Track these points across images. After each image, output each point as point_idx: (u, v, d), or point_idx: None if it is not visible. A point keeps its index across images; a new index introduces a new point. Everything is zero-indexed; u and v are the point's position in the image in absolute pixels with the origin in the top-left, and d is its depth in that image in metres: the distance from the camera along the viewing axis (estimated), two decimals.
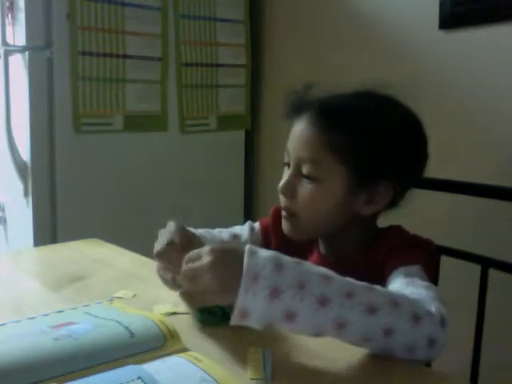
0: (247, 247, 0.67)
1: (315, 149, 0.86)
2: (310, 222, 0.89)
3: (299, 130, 0.89)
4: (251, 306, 0.65)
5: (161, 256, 0.83)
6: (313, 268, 0.68)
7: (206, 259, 0.68)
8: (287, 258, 0.68)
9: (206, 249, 0.70)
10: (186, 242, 0.82)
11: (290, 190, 0.88)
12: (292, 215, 0.89)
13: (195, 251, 0.72)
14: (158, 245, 0.84)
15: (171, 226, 0.85)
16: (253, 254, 0.67)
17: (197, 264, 0.69)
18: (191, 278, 0.70)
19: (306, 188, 0.87)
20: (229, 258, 0.68)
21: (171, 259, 0.81)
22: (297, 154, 0.88)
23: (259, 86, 2.36)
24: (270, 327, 0.67)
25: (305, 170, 0.87)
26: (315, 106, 0.89)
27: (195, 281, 0.69)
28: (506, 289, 1.27)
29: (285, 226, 0.92)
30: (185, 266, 0.71)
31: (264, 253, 0.67)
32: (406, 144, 0.88)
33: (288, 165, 0.91)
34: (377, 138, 0.85)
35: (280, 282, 0.65)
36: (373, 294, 0.67)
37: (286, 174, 0.91)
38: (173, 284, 0.87)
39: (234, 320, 0.66)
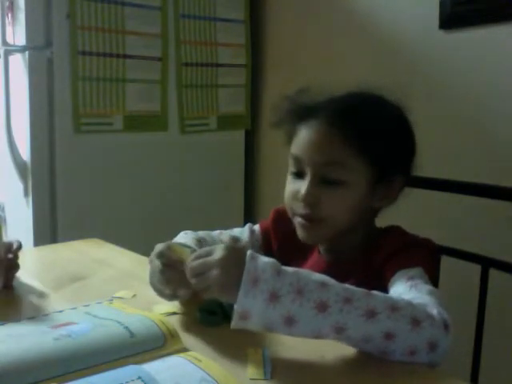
0: (248, 252, 0.69)
1: (338, 150, 0.85)
2: (337, 225, 0.87)
3: (313, 134, 0.86)
4: (251, 309, 0.66)
5: (163, 255, 0.82)
6: (311, 275, 0.68)
7: (218, 254, 0.70)
8: (286, 267, 0.69)
9: (218, 246, 0.72)
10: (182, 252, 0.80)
11: (313, 197, 0.85)
12: (318, 222, 0.87)
13: (206, 248, 0.74)
14: (159, 248, 0.83)
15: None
16: (253, 258, 0.68)
17: (208, 259, 0.71)
18: (200, 272, 0.71)
19: (333, 193, 0.85)
20: (238, 258, 0.69)
21: (171, 258, 0.80)
22: (315, 159, 0.85)
23: (259, 86, 2.36)
24: (270, 331, 0.68)
25: (329, 174, 0.85)
26: (330, 108, 0.87)
27: (203, 275, 0.70)
28: (506, 289, 1.27)
29: (306, 233, 0.89)
30: (194, 262, 0.72)
31: (264, 258, 0.69)
32: (411, 139, 0.91)
33: (297, 174, 0.88)
34: (394, 133, 0.88)
35: (279, 286, 0.66)
36: (371, 298, 0.68)
37: (298, 181, 0.88)
38: (163, 294, 0.83)
39: (235, 323, 0.67)
